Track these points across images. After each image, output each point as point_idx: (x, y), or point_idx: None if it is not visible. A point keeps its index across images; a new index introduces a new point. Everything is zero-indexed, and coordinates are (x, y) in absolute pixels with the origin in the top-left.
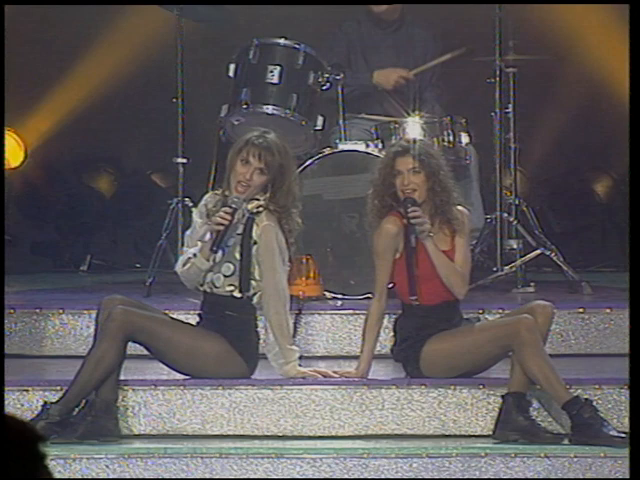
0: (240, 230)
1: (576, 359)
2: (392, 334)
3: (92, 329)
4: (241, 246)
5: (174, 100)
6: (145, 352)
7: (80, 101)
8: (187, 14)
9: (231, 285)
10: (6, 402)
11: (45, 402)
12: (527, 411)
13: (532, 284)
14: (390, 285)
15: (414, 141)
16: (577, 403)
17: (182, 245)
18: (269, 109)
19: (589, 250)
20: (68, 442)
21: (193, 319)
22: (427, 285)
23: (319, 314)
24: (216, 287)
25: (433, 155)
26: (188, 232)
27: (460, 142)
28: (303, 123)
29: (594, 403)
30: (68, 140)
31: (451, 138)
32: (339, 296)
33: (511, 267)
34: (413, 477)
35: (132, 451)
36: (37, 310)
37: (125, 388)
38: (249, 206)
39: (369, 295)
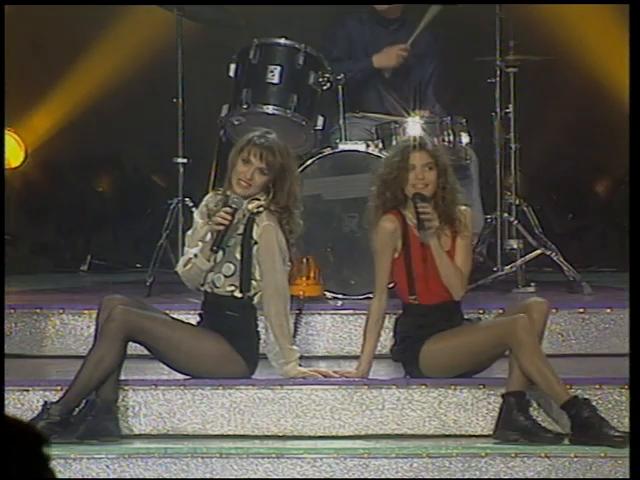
0: (241, 230)
1: (576, 359)
2: (392, 334)
3: (92, 329)
4: (242, 246)
5: (174, 100)
6: (145, 352)
7: (80, 101)
8: (188, 15)
9: (232, 285)
10: (6, 402)
11: (45, 402)
12: (527, 411)
13: (532, 284)
14: (391, 285)
15: (421, 138)
16: (576, 403)
17: (183, 245)
18: (269, 109)
19: (589, 250)
20: (68, 442)
21: (193, 319)
22: (426, 284)
23: (319, 314)
24: (217, 287)
25: (443, 154)
26: (189, 232)
27: (460, 142)
28: (303, 123)
29: (594, 403)
30: (68, 140)
31: (451, 138)
32: (339, 296)
33: (511, 267)
34: (413, 477)
35: (132, 451)
36: (37, 310)
37: (125, 388)
38: (250, 206)
39: (369, 295)
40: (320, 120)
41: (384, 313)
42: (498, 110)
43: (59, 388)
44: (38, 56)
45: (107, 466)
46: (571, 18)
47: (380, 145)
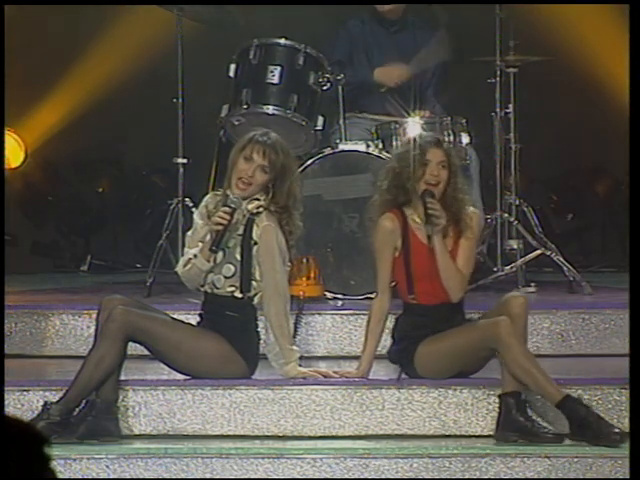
0: (240, 231)
1: (576, 359)
2: (392, 333)
3: (92, 329)
4: (241, 247)
5: (174, 100)
6: (145, 352)
7: (80, 101)
8: (188, 15)
9: (232, 286)
10: (6, 402)
11: (45, 402)
12: (526, 411)
13: (532, 284)
14: (393, 283)
15: (437, 137)
16: (569, 402)
17: (183, 246)
18: (269, 109)
19: (589, 250)
20: (68, 442)
21: (193, 319)
22: (425, 284)
23: (319, 314)
24: (217, 288)
25: (455, 155)
26: (189, 233)
27: (460, 142)
28: (303, 123)
29: (594, 403)
30: (68, 140)
31: (451, 138)
32: (339, 296)
33: (511, 267)
34: (413, 477)
35: (132, 451)
36: (37, 310)
37: (125, 388)
38: (249, 206)
39: (369, 295)
40: (320, 120)
41: (386, 313)
42: (498, 110)
43: (59, 388)
44: (38, 56)
45: (107, 466)
46: (571, 18)
47: (380, 145)
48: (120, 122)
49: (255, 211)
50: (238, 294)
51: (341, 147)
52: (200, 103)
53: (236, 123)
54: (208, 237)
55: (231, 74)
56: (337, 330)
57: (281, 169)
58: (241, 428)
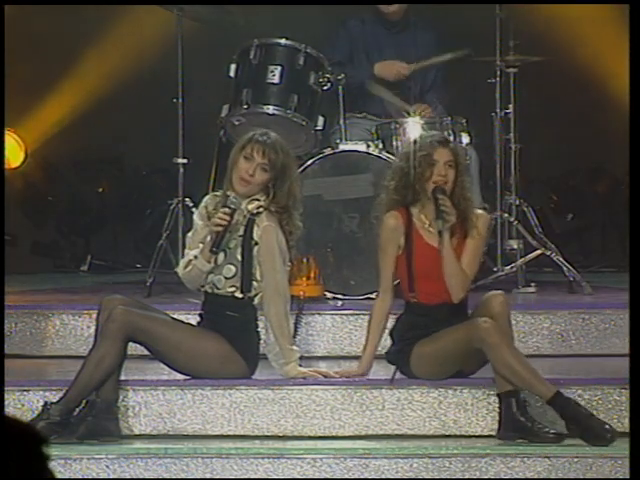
0: (241, 232)
1: (576, 359)
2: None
3: (92, 329)
4: (242, 247)
5: (174, 100)
6: (145, 352)
7: (80, 101)
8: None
9: (233, 286)
10: (6, 402)
11: (45, 402)
12: (527, 410)
13: (532, 284)
14: (396, 282)
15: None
16: (560, 399)
17: (183, 246)
18: (270, 109)
19: (589, 250)
20: (68, 442)
21: (193, 319)
22: (426, 283)
23: (319, 314)
24: (217, 288)
25: (461, 154)
26: (189, 234)
27: (460, 142)
28: (304, 123)
29: (594, 403)
30: (68, 140)
31: (451, 138)
32: (339, 296)
33: (511, 267)
34: (413, 477)
35: (132, 451)
36: (37, 310)
37: (126, 388)
38: (249, 206)
39: (370, 295)
40: (320, 120)
41: (387, 312)
42: (498, 110)
43: (59, 388)
44: (38, 56)
45: (107, 466)
46: (571, 18)
47: (380, 145)
48: (120, 122)
49: (255, 211)
50: (239, 294)
51: (341, 147)
52: (200, 103)
53: (236, 123)
54: (208, 238)
55: (231, 74)
56: (337, 330)
57: (281, 168)
58: (241, 428)
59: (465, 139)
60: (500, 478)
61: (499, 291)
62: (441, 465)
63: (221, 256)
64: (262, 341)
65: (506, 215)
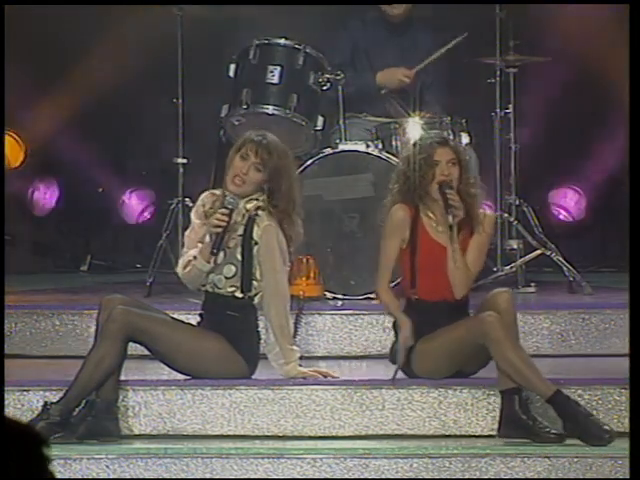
0: (241, 231)
1: (576, 359)
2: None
3: (92, 329)
4: (242, 247)
5: (174, 100)
6: (145, 352)
7: (80, 101)
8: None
9: (233, 286)
10: (6, 402)
11: (45, 402)
12: (528, 409)
13: (532, 284)
14: (394, 283)
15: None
16: (559, 397)
17: (182, 246)
18: (269, 109)
19: (589, 250)
20: (68, 442)
21: (193, 319)
22: (428, 279)
23: (319, 314)
24: (218, 288)
25: (463, 150)
26: (187, 232)
27: (460, 142)
28: (303, 123)
29: (594, 403)
30: (68, 140)
31: (451, 138)
32: (339, 296)
33: (511, 267)
34: (413, 477)
35: (132, 451)
36: (37, 310)
37: (125, 388)
38: (248, 206)
39: (369, 295)
40: (320, 120)
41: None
42: (498, 110)
43: (59, 388)
44: (38, 56)
45: (107, 466)
46: (571, 18)
47: (380, 145)
48: (120, 122)
49: (254, 211)
50: (239, 294)
51: (341, 147)
52: (200, 103)
53: (236, 123)
54: (207, 238)
55: (231, 74)
56: (337, 330)
57: (274, 169)
58: (241, 428)
59: (465, 139)
60: (500, 478)
61: (505, 288)
62: (441, 465)
63: (221, 255)
64: (262, 341)
65: (506, 215)
